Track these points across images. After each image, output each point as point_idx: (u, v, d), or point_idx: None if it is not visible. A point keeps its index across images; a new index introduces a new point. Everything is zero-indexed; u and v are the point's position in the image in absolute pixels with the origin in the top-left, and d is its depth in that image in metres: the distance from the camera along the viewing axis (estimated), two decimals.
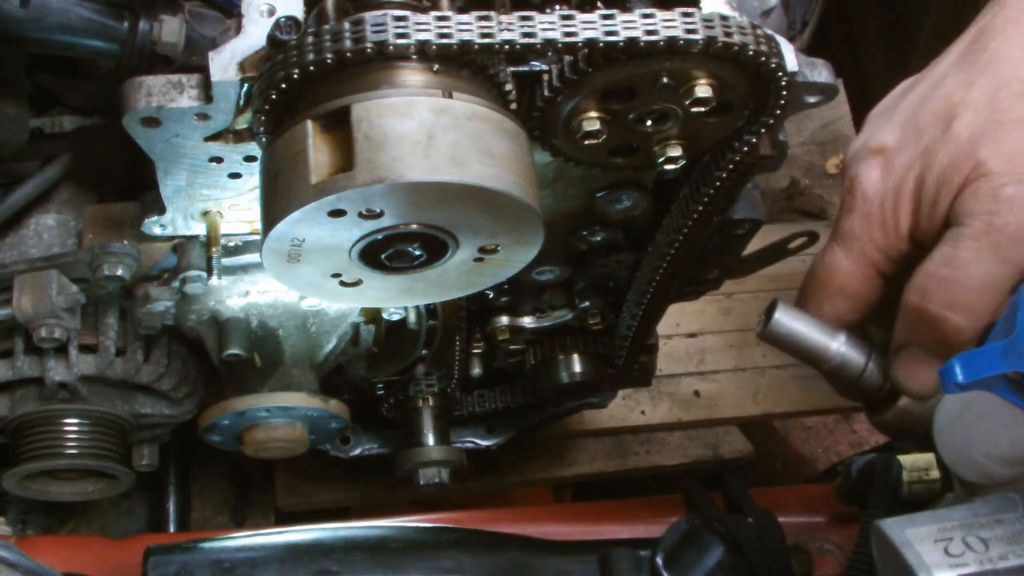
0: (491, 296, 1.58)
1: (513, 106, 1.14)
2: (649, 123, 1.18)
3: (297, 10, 1.16)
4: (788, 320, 1.24)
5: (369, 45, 1.05)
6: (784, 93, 1.17)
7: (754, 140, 1.23)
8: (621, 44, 1.08)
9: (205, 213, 1.38)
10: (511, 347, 1.69)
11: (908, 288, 1.15)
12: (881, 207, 1.18)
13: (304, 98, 1.10)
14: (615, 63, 1.10)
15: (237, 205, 1.37)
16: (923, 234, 1.17)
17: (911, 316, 1.15)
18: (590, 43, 1.08)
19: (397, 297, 1.27)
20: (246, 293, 1.47)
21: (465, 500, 2.19)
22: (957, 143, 1.13)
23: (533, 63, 1.15)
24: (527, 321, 1.64)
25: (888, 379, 1.21)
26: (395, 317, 1.55)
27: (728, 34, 1.08)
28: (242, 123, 1.21)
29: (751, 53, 1.10)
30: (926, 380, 1.16)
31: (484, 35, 1.07)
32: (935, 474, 1.59)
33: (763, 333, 1.26)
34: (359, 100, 1.05)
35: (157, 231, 1.41)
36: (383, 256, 1.14)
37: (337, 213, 1.06)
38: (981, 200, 1.10)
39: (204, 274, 1.38)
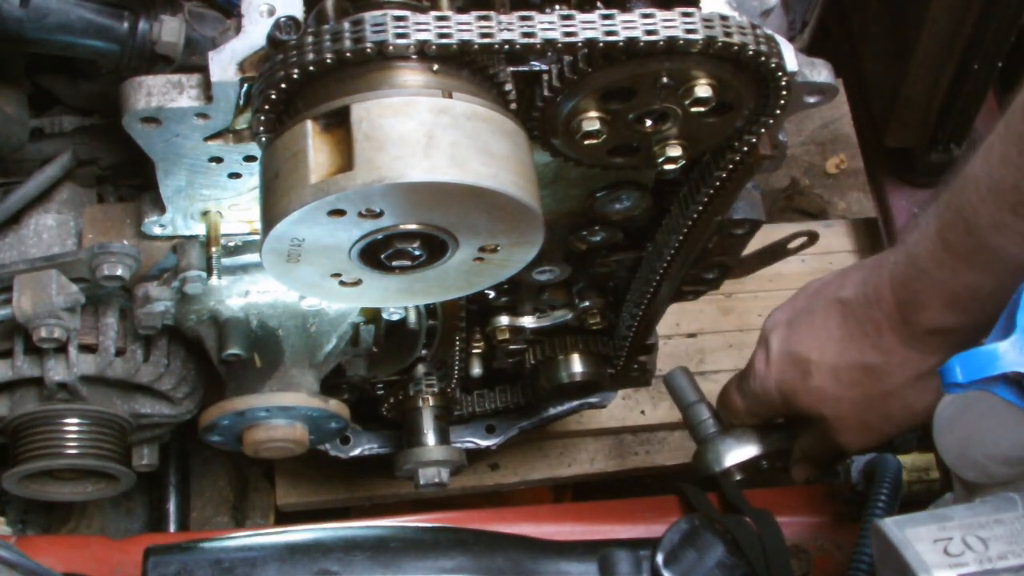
0: (491, 296, 1.58)
1: (513, 106, 1.15)
2: (649, 123, 1.18)
3: (297, 10, 1.16)
4: (680, 379, 1.72)
5: (369, 45, 1.05)
6: (784, 93, 1.17)
7: (754, 140, 1.23)
8: (621, 44, 1.08)
9: (205, 213, 1.38)
10: (511, 347, 1.69)
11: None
12: (762, 392, 1.55)
13: (304, 98, 1.10)
14: (615, 63, 1.10)
15: (237, 205, 1.37)
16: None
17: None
18: (590, 43, 1.08)
19: (397, 297, 1.27)
20: (246, 293, 1.47)
21: (465, 500, 2.19)
22: (807, 390, 1.50)
23: (533, 63, 1.15)
24: (527, 321, 1.64)
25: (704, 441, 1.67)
26: (395, 317, 1.55)
27: (728, 34, 1.08)
28: (242, 123, 1.21)
29: (751, 53, 1.10)
30: None
31: (484, 35, 1.07)
32: (935, 474, 1.59)
33: (666, 378, 1.75)
34: (359, 100, 1.05)
35: (157, 231, 1.41)
36: (383, 256, 1.14)
37: (337, 213, 1.06)
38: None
39: (204, 274, 1.38)
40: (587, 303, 1.61)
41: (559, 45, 1.08)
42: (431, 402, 1.75)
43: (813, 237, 1.60)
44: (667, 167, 1.22)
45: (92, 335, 1.48)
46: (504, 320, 1.63)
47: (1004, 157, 1.18)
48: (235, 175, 1.30)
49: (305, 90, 1.10)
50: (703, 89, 1.12)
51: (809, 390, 1.48)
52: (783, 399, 1.52)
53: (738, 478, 1.63)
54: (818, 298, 1.49)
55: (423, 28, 1.06)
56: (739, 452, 1.62)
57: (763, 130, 1.23)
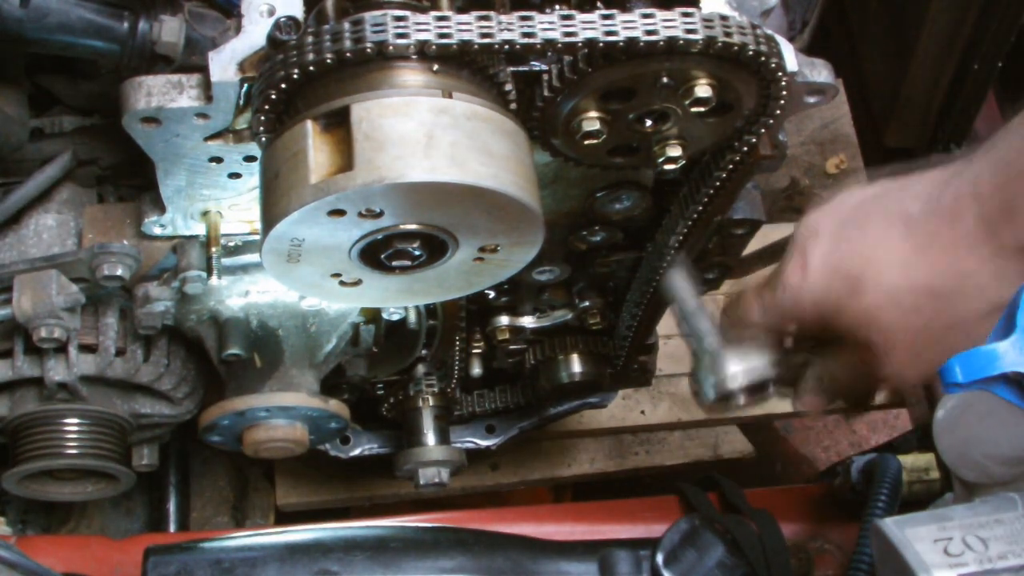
0: (491, 296, 1.58)
1: (513, 106, 1.14)
2: (649, 123, 1.18)
3: (297, 10, 1.16)
4: (680, 282, 1.44)
5: (369, 45, 1.05)
6: (784, 93, 1.17)
7: (754, 140, 1.23)
8: (621, 44, 1.07)
9: (205, 213, 1.38)
10: (511, 347, 1.69)
11: None
12: (793, 306, 1.33)
13: (304, 98, 1.10)
14: (615, 63, 1.10)
15: (237, 205, 1.37)
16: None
17: None
18: (590, 43, 1.08)
19: (397, 297, 1.27)
20: (246, 293, 1.47)
21: (465, 500, 2.19)
22: (854, 310, 1.28)
23: (533, 63, 1.15)
24: (527, 321, 1.64)
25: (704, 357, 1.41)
26: (395, 317, 1.54)
27: (728, 34, 1.08)
28: (242, 123, 1.21)
29: (751, 53, 1.10)
30: None
31: (484, 35, 1.07)
32: (935, 474, 1.59)
33: (663, 279, 1.48)
34: (359, 100, 1.05)
35: (157, 231, 1.41)
36: (383, 256, 1.14)
37: (337, 213, 1.06)
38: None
39: (204, 274, 1.38)
40: (587, 303, 1.61)
41: (559, 45, 1.08)
42: (431, 402, 1.75)
43: None
44: (667, 167, 1.22)
45: (92, 335, 1.48)
46: (504, 320, 1.63)
47: None
48: (235, 175, 1.29)
49: (305, 90, 1.10)
50: (703, 89, 1.12)
51: (858, 311, 1.28)
52: (820, 317, 1.32)
53: (742, 402, 1.43)
54: (872, 210, 1.31)
55: (423, 28, 1.06)
56: (750, 370, 1.40)
57: (763, 130, 1.23)
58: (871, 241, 1.28)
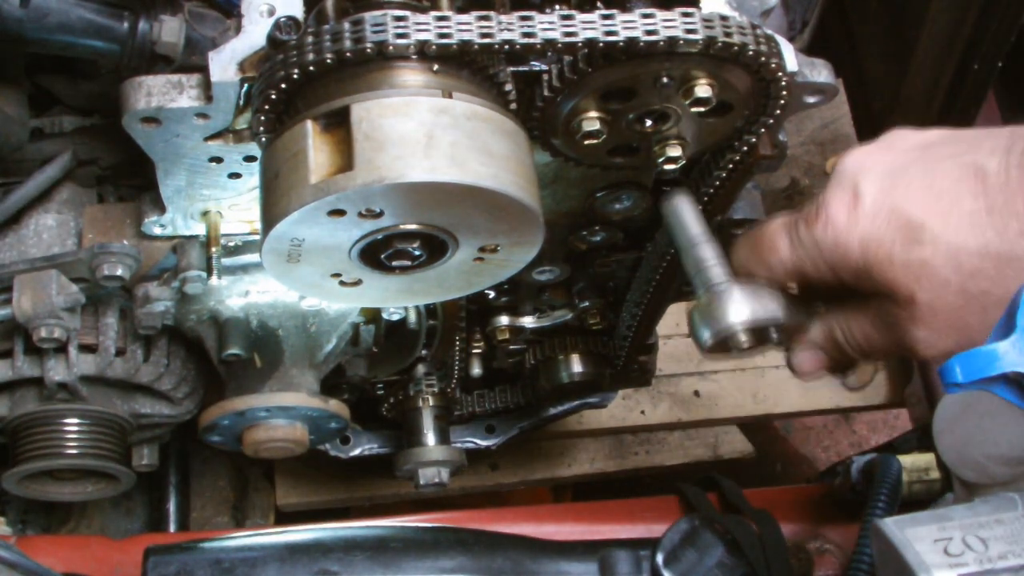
0: (491, 296, 1.58)
1: (513, 106, 1.14)
2: (649, 123, 1.18)
3: (297, 10, 1.16)
4: (684, 205, 1.31)
5: (369, 45, 1.05)
6: (784, 93, 1.17)
7: (754, 140, 1.23)
8: (621, 44, 1.08)
9: (205, 213, 1.38)
10: (511, 347, 1.69)
11: None
12: (834, 246, 1.20)
13: (304, 98, 1.10)
14: (615, 63, 1.10)
15: (237, 205, 1.37)
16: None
17: None
18: (590, 43, 1.08)
19: (397, 297, 1.27)
20: (246, 293, 1.47)
21: (465, 500, 2.19)
22: (907, 260, 1.16)
23: (533, 63, 1.15)
24: (527, 321, 1.64)
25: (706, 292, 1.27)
26: (395, 317, 1.54)
27: (728, 34, 1.08)
28: (242, 123, 1.21)
29: (751, 53, 1.10)
30: None
31: (484, 35, 1.07)
32: (935, 474, 1.59)
33: (663, 202, 1.34)
34: (359, 100, 1.05)
35: (157, 231, 1.41)
36: (383, 256, 1.14)
37: (337, 213, 1.06)
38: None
39: (204, 274, 1.38)
40: (587, 303, 1.61)
41: (559, 45, 1.08)
42: (431, 402, 1.75)
43: None
44: (667, 167, 1.22)
45: (92, 335, 1.48)
46: (504, 320, 1.63)
47: None
48: (235, 175, 1.29)
49: (305, 90, 1.10)
50: (703, 89, 1.12)
51: (911, 262, 1.15)
52: (865, 261, 1.18)
53: (744, 345, 1.26)
54: (941, 154, 1.19)
55: (423, 28, 1.06)
56: (758, 308, 1.24)
57: (763, 130, 1.23)
58: (939, 189, 1.16)
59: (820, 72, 1.23)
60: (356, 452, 1.85)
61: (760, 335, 1.26)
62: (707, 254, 1.27)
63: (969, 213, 1.13)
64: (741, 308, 1.22)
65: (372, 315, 1.54)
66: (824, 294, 1.27)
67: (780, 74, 1.14)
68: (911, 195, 1.16)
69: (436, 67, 1.08)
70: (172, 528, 2.05)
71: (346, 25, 1.07)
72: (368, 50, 1.06)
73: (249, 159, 1.26)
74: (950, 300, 1.16)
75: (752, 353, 1.28)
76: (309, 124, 1.06)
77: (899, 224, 1.15)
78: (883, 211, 1.17)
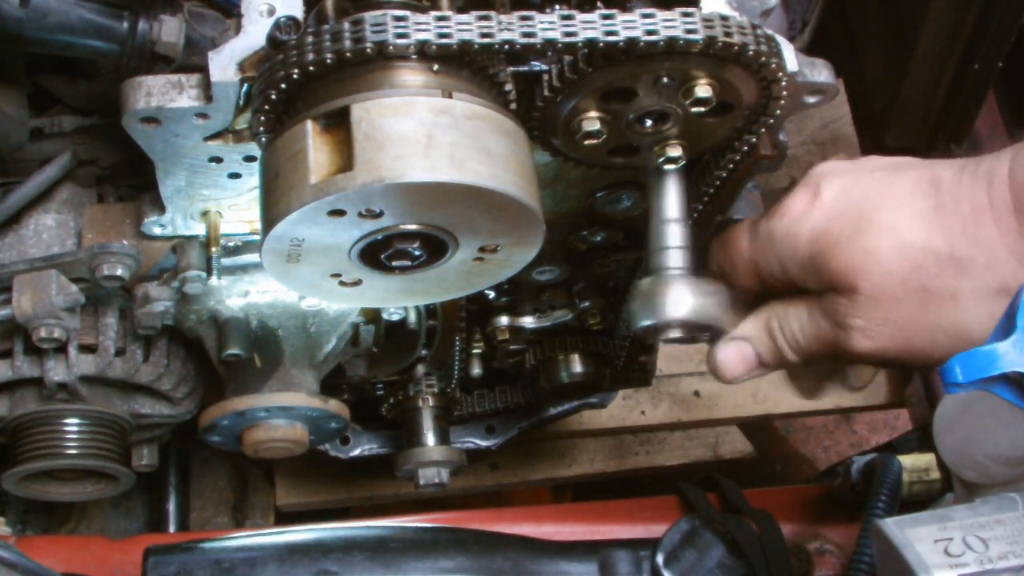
0: (491, 296, 1.58)
1: (513, 106, 1.14)
2: (649, 123, 1.18)
3: (297, 10, 1.16)
4: (672, 183, 1.29)
5: (369, 45, 1.05)
6: (784, 93, 1.17)
7: (754, 140, 1.23)
8: (621, 44, 1.07)
9: (205, 213, 1.38)
10: (511, 347, 1.69)
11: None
12: (785, 235, 1.24)
13: (304, 98, 1.10)
14: (615, 63, 1.10)
15: (237, 205, 1.37)
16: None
17: None
18: (590, 43, 1.08)
19: (397, 297, 1.27)
20: (246, 293, 1.47)
21: (465, 500, 2.19)
22: (853, 248, 1.20)
23: (533, 63, 1.15)
24: (527, 321, 1.64)
25: None
26: (395, 317, 1.54)
27: (728, 34, 1.08)
28: (242, 123, 1.21)
29: (751, 53, 1.10)
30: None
31: (484, 35, 1.07)
32: (935, 474, 1.59)
33: (653, 175, 1.30)
34: (359, 100, 1.05)
35: (157, 231, 1.41)
36: (383, 256, 1.14)
37: (337, 213, 1.06)
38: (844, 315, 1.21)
39: (204, 274, 1.38)
40: (587, 303, 1.61)
41: (559, 45, 1.08)
42: (431, 402, 1.75)
43: None
44: (667, 167, 1.22)
45: (92, 335, 1.48)
46: (504, 320, 1.63)
47: None
48: (235, 175, 1.29)
49: (305, 90, 1.10)
50: (703, 89, 1.12)
51: (856, 250, 1.19)
52: (812, 251, 1.21)
53: (672, 336, 1.26)
54: (903, 165, 1.24)
55: (423, 28, 1.06)
56: (699, 308, 1.24)
57: (763, 130, 1.22)
58: (895, 191, 1.20)
59: (820, 72, 1.23)
60: (356, 452, 1.85)
61: (693, 329, 1.26)
62: (673, 237, 1.26)
63: (919, 211, 1.17)
64: (680, 304, 1.23)
65: (372, 315, 1.54)
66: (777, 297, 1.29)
67: (780, 74, 1.14)
68: (868, 194, 1.20)
69: (436, 67, 1.08)
70: (172, 528, 2.04)
71: (346, 25, 1.06)
72: (368, 50, 1.06)
73: (249, 159, 1.26)
74: (891, 291, 1.18)
75: (677, 343, 1.29)
76: (309, 124, 1.06)
77: (851, 216, 1.19)
78: (839, 206, 1.21)
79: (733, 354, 1.31)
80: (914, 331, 1.19)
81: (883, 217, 1.18)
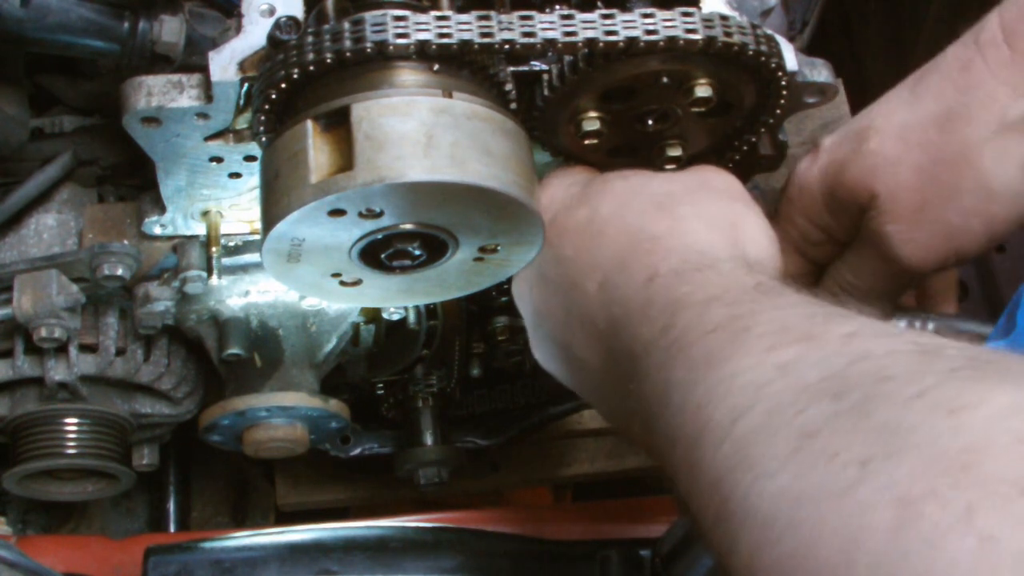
0: (491, 296, 1.58)
1: (513, 106, 1.15)
2: (649, 123, 1.18)
3: (297, 10, 1.16)
4: None
5: (369, 45, 1.05)
6: (784, 93, 1.17)
7: (754, 140, 1.23)
8: (621, 44, 1.08)
9: (205, 213, 1.38)
10: (511, 347, 1.69)
11: None
12: (799, 191, 1.25)
13: (304, 98, 1.10)
14: (615, 63, 1.10)
15: (237, 205, 1.37)
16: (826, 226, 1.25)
17: None
18: (590, 43, 1.08)
19: (397, 297, 1.27)
20: (246, 293, 1.47)
21: (465, 500, 2.19)
22: (858, 160, 1.18)
23: (533, 63, 1.16)
24: None
25: None
26: (395, 317, 1.54)
27: (728, 34, 1.08)
28: (242, 123, 1.21)
29: (751, 53, 1.10)
30: None
31: (484, 35, 1.07)
32: None
33: None
34: (359, 100, 1.05)
35: (157, 231, 1.41)
36: (383, 256, 1.14)
37: (337, 213, 1.06)
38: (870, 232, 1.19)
39: (204, 274, 1.38)
40: None
41: (559, 45, 1.08)
42: (431, 402, 1.75)
43: None
44: (667, 167, 1.22)
45: (92, 335, 1.48)
46: (504, 320, 1.63)
47: None
48: (235, 175, 1.30)
49: (305, 90, 1.10)
50: (703, 89, 1.12)
51: (859, 160, 1.17)
52: (825, 188, 1.20)
53: None
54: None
55: (423, 28, 1.06)
56: None
57: (763, 130, 1.23)
58: (883, 101, 1.20)
59: (820, 72, 1.23)
60: (356, 452, 1.85)
61: None
62: None
63: (908, 94, 1.18)
64: None
65: (372, 315, 1.54)
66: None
67: (780, 74, 1.14)
68: (861, 116, 1.21)
69: (436, 67, 1.08)
70: (172, 528, 2.04)
71: (346, 25, 1.07)
72: (368, 50, 1.06)
73: (249, 159, 1.26)
74: (905, 180, 1.14)
75: None
76: (309, 124, 1.06)
77: (851, 136, 1.19)
78: (840, 136, 1.21)
79: None
80: (944, 211, 1.14)
81: (878, 123, 1.17)
